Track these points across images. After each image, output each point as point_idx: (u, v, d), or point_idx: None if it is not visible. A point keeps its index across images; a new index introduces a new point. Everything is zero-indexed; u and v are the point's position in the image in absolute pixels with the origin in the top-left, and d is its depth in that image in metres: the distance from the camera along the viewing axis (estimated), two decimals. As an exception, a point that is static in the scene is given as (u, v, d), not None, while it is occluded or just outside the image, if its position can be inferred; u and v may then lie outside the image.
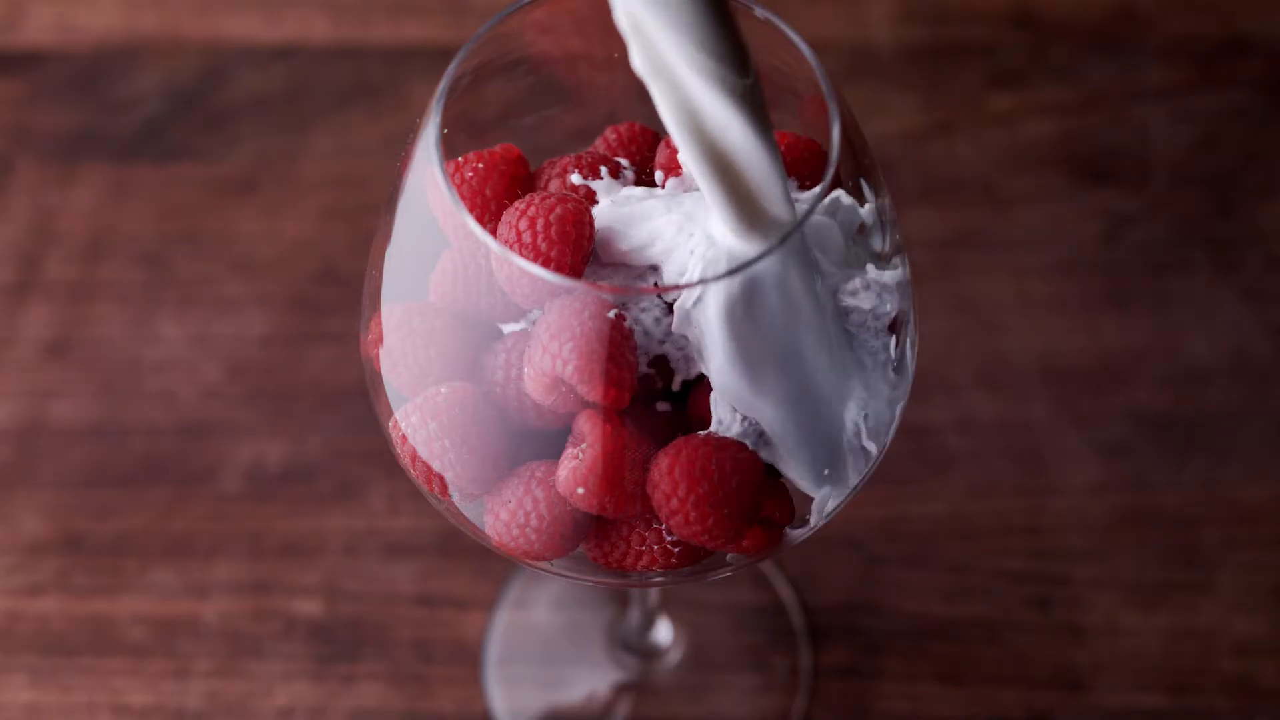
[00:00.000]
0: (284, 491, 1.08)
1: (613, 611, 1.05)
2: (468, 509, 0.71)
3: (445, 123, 0.68)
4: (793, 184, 0.71)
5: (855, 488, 0.72)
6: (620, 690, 1.03)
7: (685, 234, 0.67)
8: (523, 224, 0.66)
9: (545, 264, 0.66)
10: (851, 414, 0.70)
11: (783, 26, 0.69)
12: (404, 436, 0.70)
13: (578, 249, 0.67)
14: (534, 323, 0.67)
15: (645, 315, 0.66)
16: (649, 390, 0.68)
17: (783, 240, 0.65)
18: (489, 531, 0.70)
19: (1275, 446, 1.08)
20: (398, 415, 0.70)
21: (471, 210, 0.71)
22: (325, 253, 1.17)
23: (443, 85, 0.68)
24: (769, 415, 0.68)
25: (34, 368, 1.13)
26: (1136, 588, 1.04)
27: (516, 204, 0.67)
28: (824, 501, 0.71)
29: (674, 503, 0.66)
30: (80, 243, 1.18)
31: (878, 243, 0.72)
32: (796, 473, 0.69)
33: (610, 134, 0.76)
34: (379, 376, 0.72)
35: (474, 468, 0.68)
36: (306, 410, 1.10)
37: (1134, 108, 1.23)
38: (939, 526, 1.06)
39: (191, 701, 1.01)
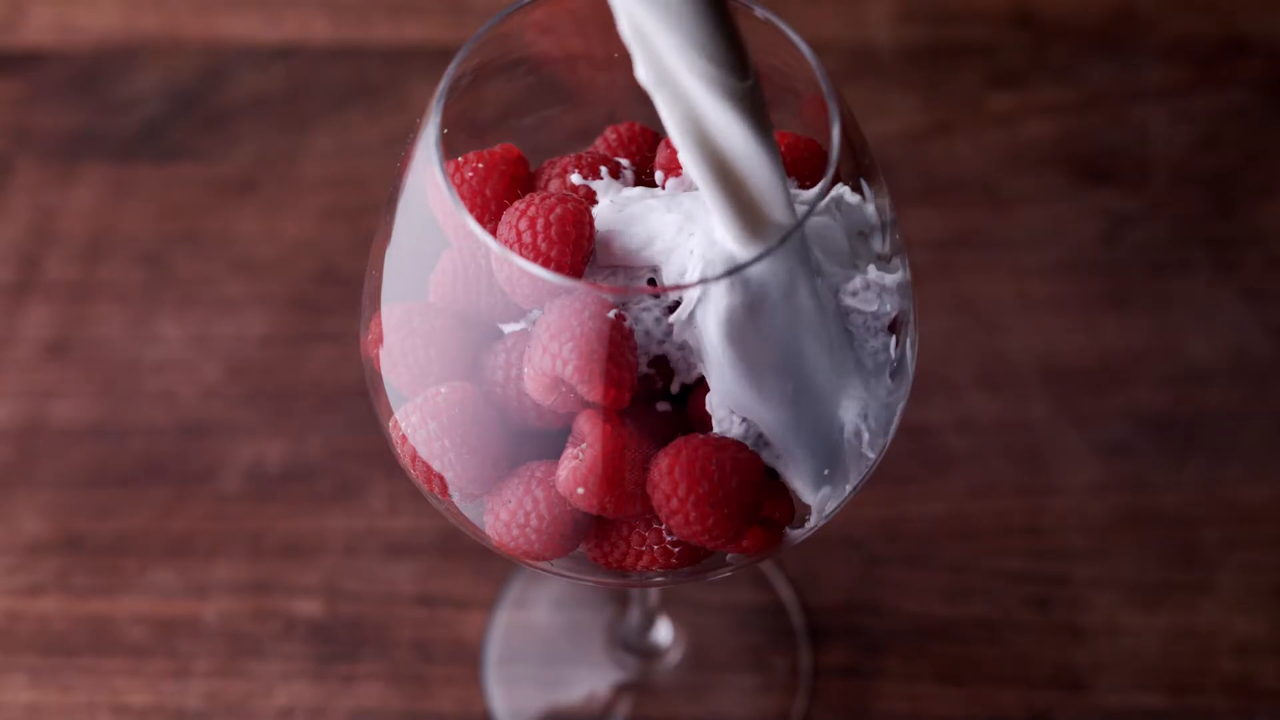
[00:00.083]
0: (284, 491, 1.08)
1: (613, 611, 1.05)
2: (468, 509, 0.71)
3: (445, 123, 0.68)
4: (792, 183, 0.71)
5: (855, 488, 0.72)
6: (620, 690, 1.03)
7: (685, 234, 0.67)
8: (523, 224, 0.66)
9: (545, 264, 0.66)
10: (851, 414, 0.70)
11: (783, 26, 0.69)
12: (404, 436, 0.70)
13: (578, 249, 0.67)
14: (534, 323, 0.67)
15: (645, 315, 0.66)
16: (649, 390, 0.68)
17: (782, 240, 0.65)
18: (489, 531, 0.70)
19: (1275, 446, 1.08)
20: (398, 415, 0.70)
21: (471, 210, 0.71)
22: (325, 253, 1.17)
23: (443, 85, 0.68)
24: (769, 417, 0.68)
25: (34, 368, 1.13)
26: (1136, 588, 1.04)
27: (516, 204, 0.67)
28: (824, 501, 0.71)
29: (674, 503, 0.66)
30: (80, 243, 1.18)
31: (878, 243, 0.72)
32: (796, 473, 0.69)
33: (610, 134, 0.76)
34: (379, 376, 0.72)
35: (474, 468, 0.68)
36: (306, 410, 1.10)
37: (1134, 108, 1.23)
38: (939, 526, 1.06)
39: (191, 701, 1.01)
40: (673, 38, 0.61)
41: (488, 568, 1.05)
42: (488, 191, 0.71)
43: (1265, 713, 1.00)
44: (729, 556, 0.72)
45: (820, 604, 1.04)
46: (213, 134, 1.23)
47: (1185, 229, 1.17)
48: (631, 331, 0.66)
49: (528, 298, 0.67)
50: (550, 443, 0.68)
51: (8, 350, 1.13)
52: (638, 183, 0.74)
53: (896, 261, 0.72)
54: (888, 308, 0.70)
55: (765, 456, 0.69)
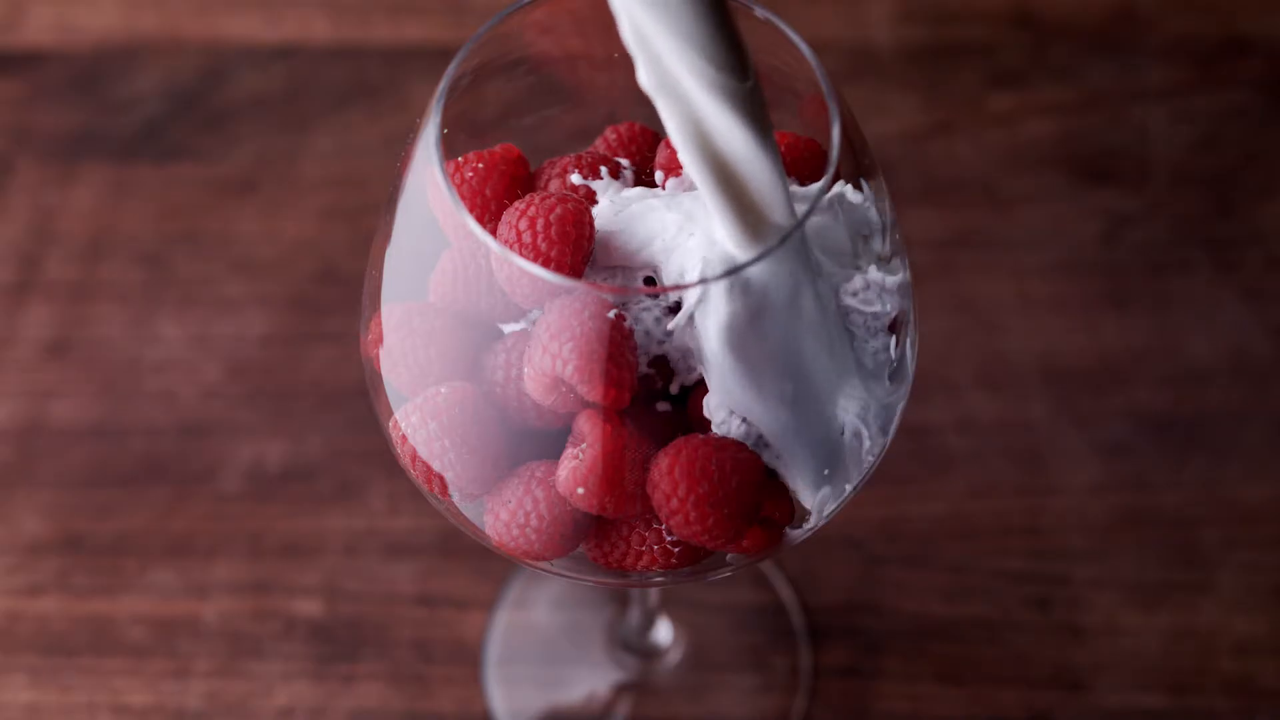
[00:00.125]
0: (284, 491, 1.08)
1: (613, 611, 1.05)
2: (468, 509, 0.71)
3: (445, 123, 0.68)
4: (792, 182, 0.71)
5: (855, 488, 0.72)
6: (620, 690, 1.03)
7: (685, 234, 0.67)
8: (523, 224, 0.66)
9: (545, 264, 0.66)
10: (851, 414, 0.70)
11: (783, 26, 0.69)
12: (404, 436, 0.70)
13: (578, 249, 0.67)
14: (534, 323, 0.67)
15: (645, 315, 0.66)
16: (649, 390, 0.68)
17: (782, 240, 0.65)
18: (489, 531, 0.70)
19: (1275, 446, 1.08)
20: (398, 415, 0.70)
21: (471, 210, 0.71)
22: (325, 253, 1.17)
23: (443, 85, 0.68)
24: (769, 417, 0.68)
25: (34, 368, 1.13)
26: (1136, 588, 1.04)
27: (516, 204, 0.67)
28: (824, 501, 0.71)
29: (674, 503, 0.66)
30: (80, 243, 1.18)
31: (878, 243, 0.72)
32: (796, 473, 0.69)
33: (610, 134, 0.76)
34: (379, 376, 0.72)
35: (474, 468, 0.68)
36: (306, 410, 1.10)
37: (1134, 108, 1.23)
38: (939, 526, 1.06)
39: (191, 701, 1.01)
40: (674, 40, 0.61)
41: (488, 568, 1.05)
42: (488, 191, 0.71)
43: (1265, 713, 1.00)
44: (729, 556, 0.72)
45: (820, 604, 1.04)
46: (213, 134, 1.23)
47: (1185, 229, 1.17)
48: (631, 331, 0.66)
49: (528, 298, 0.67)
50: (550, 443, 0.68)
51: (8, 350, 1.13)
52: (638, 183, 0.74)
53: (896, 262, 0.72)
54: (888, 308, 0.70)
55: (765, 456, 0.69)
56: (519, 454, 0.69)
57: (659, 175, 0.73)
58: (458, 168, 0.71)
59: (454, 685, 1.02)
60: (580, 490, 0.66)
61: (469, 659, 1.02)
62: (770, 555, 0.74)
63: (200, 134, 1.23)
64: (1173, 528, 1.06)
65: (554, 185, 0.73)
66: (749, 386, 0.67)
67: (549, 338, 0.65)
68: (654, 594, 0.99)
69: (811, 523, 0.71)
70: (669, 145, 0.73)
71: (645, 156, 0.75)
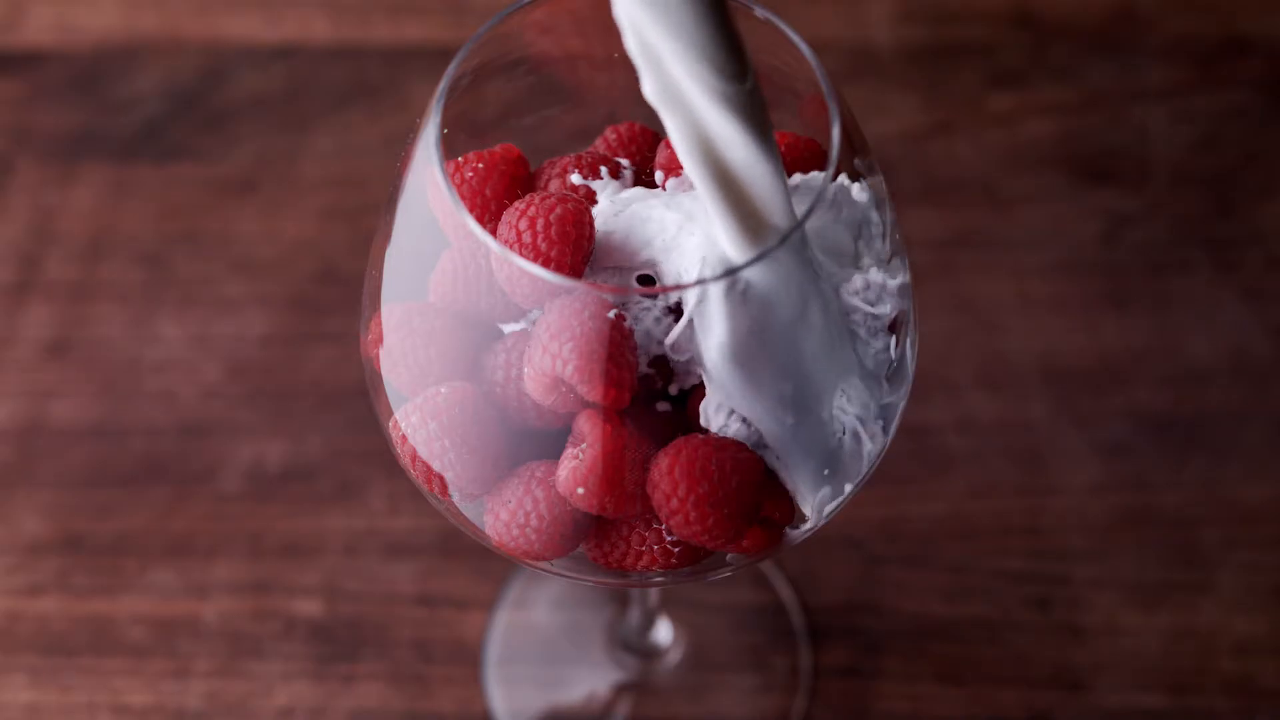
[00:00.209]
0: (284, 491, 1.08)
1: (613, 611, 1.05)
2: (468, 509, 0.71)
3: (445, 123, 0.68)
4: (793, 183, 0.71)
5: (855, 488, 0.72)
6: (620, 690, 1.03)
7: (685, 234, 0.67)
8: (523, 224, 0.66)
9: (545, 264, 0.66)
10: (851, 414, 0.70)
11: (783, 26, 0.69)
12: (404, 436, 0.70)
13: (578, 249, 0.67)
14: (534, 323, 0.67)
15: (645, 315, 0.66)
16: (649, 390, 0.68)
17: (782, 240, 0.65)
18: (489, 531, 0.70)
19: (1275, 446, 1.08)
20: (398, 415, 0.70)
21: (471, 210, 0.71)
22: (325, 253, 1.17)
23: (443, 85, 0.68)
24: (769, 418, 0.67)
25: (34, 368, 1.13)
26: (1136, 588, 1.04)
27: (516, 204, 0.67)
28: (824, 502, 0.71)
29: (674, 503, 0.66)
30: (80, 243, 1.18)
31: (878, 243, 0.72)
32: (796, 473, 0.69)
33: (610, 134, 0.76)
34: (379, 376, 0.72)
35: (474, 468, 0.68)
36: (306, 410, 1.10)
37: (1134, 108, 1.23)
38: (939, 526, 1.06)
39: (191, 701, 1.01)
40: (675, 44, 0.61)
41: (488, 568, 1.05)
42: (488, 191, 0.71)
43: (1265, 713, 1.00)
44: (729, 556, 0.72)
45: (820, 604, 1.04)
46: (213, 134, 1.23)
47: (1185, 229, 1.17)
48: (631, 331, 0.66)
49: (528, 298, 0.67)
50: (550, 443, 0.68)
51: (8, 350, 1.13)
52: (638, 183, 0.74)
53: (897, 262, 0.72)
54: (888, 308, 0.70)
55: (765, 457, 0.69)
56: (519, 454, 0.69)
57: (659, 175, 0.73)
58: (458, 168, 0.71)
59: (454, 685, 1.02)
60: (580, 490, 0.66)
61: (469, 659, 1.02)
62: (770, 555, 0.74)
63: (200, 134, 1.23)
64: (1173, 528, 1.06)
65: (554, 185, 0.73)
66: (749, 387, 0.67)
67: (549, 338, 0.65)
68: (654, 594, 0.99)
69: (811, 523, 0.71)
70: (669, 145, 0.73)
71: (645, 156, 0.75)
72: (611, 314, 0.65)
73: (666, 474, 0.66)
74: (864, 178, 0.72)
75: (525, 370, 0.67)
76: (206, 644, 1.02)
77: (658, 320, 0.66)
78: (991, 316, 1.13)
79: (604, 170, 0.72)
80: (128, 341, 1.13)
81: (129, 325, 1.14)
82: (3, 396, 1.11)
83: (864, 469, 0.72)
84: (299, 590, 1.04)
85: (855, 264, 0.71)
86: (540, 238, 0.66)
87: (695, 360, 0.67)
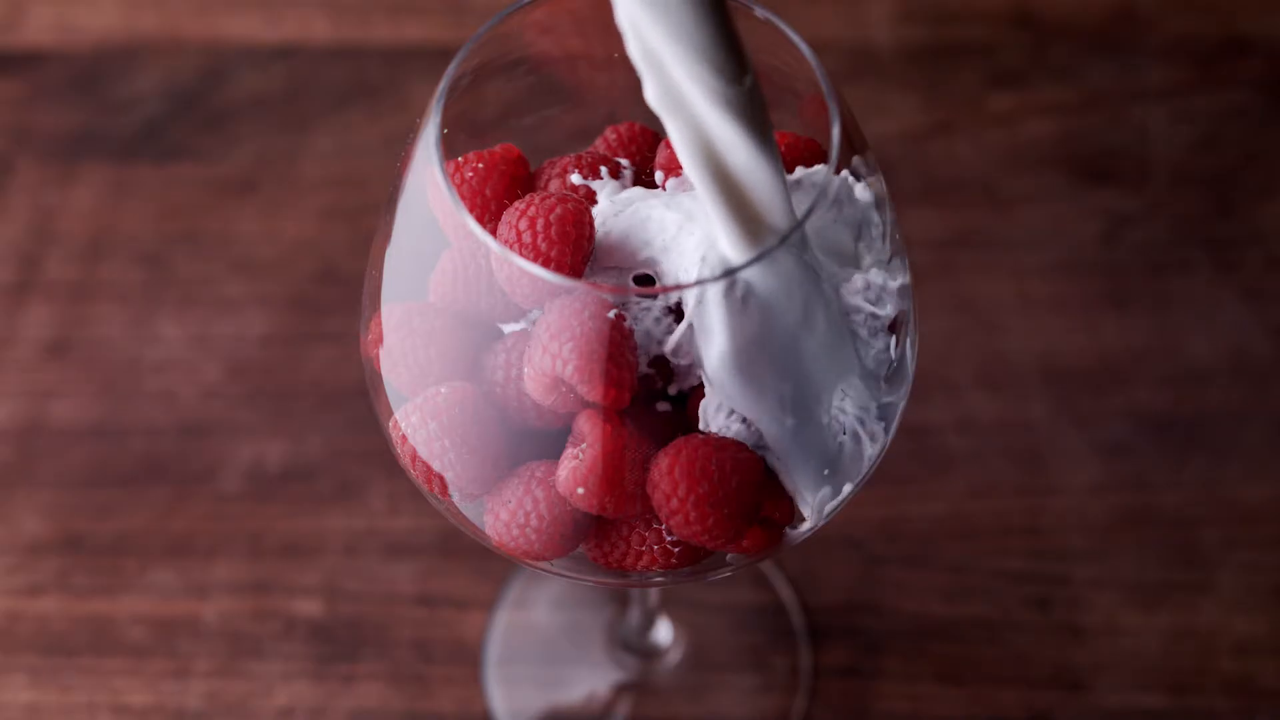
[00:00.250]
0: (284, 491, 1.08)
1: (613, 611, 1.05)
2: (468, 509, 0.71)
3: (445, 123, 0.68)
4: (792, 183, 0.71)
5: (855, 488, 0.72)
6: (620, 690, 1.03)
7: (685, 233, 0.67)
8: (523, 224, 0.66)
9: (545, 264, 0.66)
10: (851, 414, 0.70)
11: (783, 26, 0.69)
12: (404, 436, 0.70)
13: (578, 249, 0.67)
14: (534, 323, 0.67)
15: (645, 315, 0.66)
16: (649, 390, 0.68)
17: (782, 241, 0.65)
18: (489, 531, 0.70)
19: (1275, 446, 1.08)
20: (398, 415, 0.70)
21: (471, 210, 0.71)
22: (325, 253, 1.17)
23: (443, 85, 0.68)
24: (769, 418, 0.67)
25: (34, 368, 1.13)
26: (1136, 588, 1.04)
27: (516, 204, 0.67)
28: (824, 502, 0.71)
29: (674, 503, 0.66)
30: (80, 243, 1.18)
31: (878, 243, 0.72)
32: (796, 473, 0.69)
33: (610, 134, 0.76)
34: (379, 376, 0.72)
35: (474, 468, 0.68)
36: (306, 410, 1.10)
37: (1134, 108, 1.23)
38: (939, 526, 1.06)
39: (191, 701, 1.01)
40: (677, 47, 0.61)
41: (488, 568, 1.05)
42: (488, 191, 0.71)
43: (1265, 713, 1.00)
44: (729, 556, 0.72)
45: (820, 604, 1.04)
46: (213, 134, 1.23)
47: (1185, 229, 1.17)
48: (631, 331, 0.66)
49: (528, 298, 0.67)
50: (550, 443, 0.68)
51: (8, 350, 1.13)
52: (637, 183, 0.74)
53: (897, 262, 0.72)
54: (888, 308, 0.70)
55: (765, 457, 0.69)
56: (519, 454, 0.69)
57: (659, 175, 0.73)
58: (458, 168, 0.71)
59: (454, 685, 1.02)
60: (580, 490, 0.66)
61: (469, 659, 1.02)
62: (770, 555, 0.74)
63: (200, 134, 1.23)
64: (1173, 528, 1.06)
65: (554, 185, 0.73)
66: (749, 389, 0.66)
67: (549, 338, 0.65)
68: (654, 594, 0.99)
69: (811, 523, 0.71)
70: (669, 145, 0.73)
71: (645, 156, 0.75)
72: (611, 314, 0.65)
73: (666, 474, 0.66)
74: (864, 178, 0.72)
75: (525, 370, 0.67)
76: (206, 644, 1.02)
77: (658, 320, 0.66)
78: (991, 316, 1.13)
79: (604, 170, 0.72)
80: (128, 341, 1.13)
81: (129, 325, 1.14)
82: (3, 396, 1.11)
83: (864, 469, 0.72)
84: (299, 590, 1.04)
85: (855, 264, 0.71)
86: (540, 238, 0.66)
87: (696, 364, 0.67)
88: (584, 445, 0.66)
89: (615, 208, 0.70)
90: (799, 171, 0.71)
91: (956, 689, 1.01)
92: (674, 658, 1.04)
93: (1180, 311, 1.14)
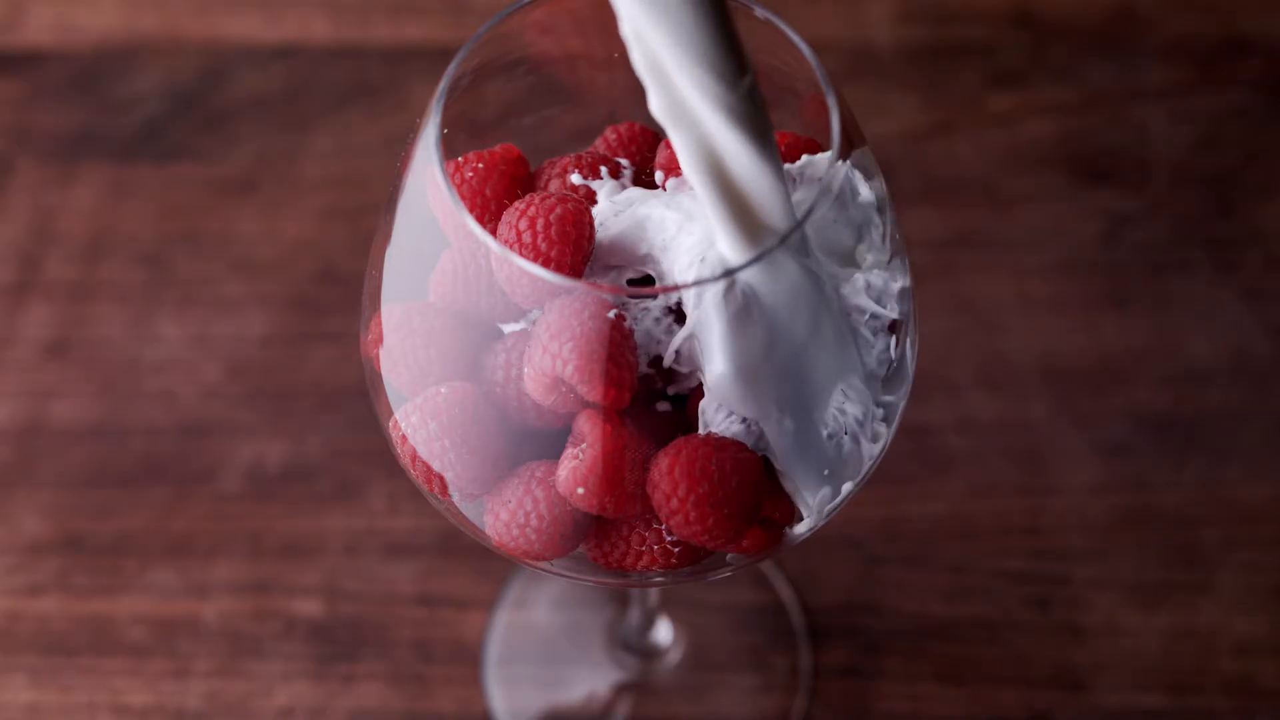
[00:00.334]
0: (284, 491, 1.08)
1: (613, 611, 1.05)
2: (468, 509, 0.71)
3: (445, 123, 0.68)
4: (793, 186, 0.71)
5: (855, 488, 0.72)
6: (620, 690, 1.03)
7: (685, 233, 0.67)
8: (523, 224, 0.66)
9: (545, 264, 0.66)
10: (851, 414, 0.70)
11: (783, 26, 0.69)
12: (404, 436, 0.70)
13: (578, 249, 0.67)
14: (534, 323, 0.67)
15: (645, 315, 0.66)
16: (649, 390, 0.68)
17: (782, 240, 0.65)
18: (489, 531, 0.70)
19: (1275, 446, 1.08)
20: (398, 415, 0.70)
21: (471, 210, 0.71)
22: (325, 253, 1.17)
23: (443, 85, 0.68)
24: (769, 418, 0.67)
25: (34, 368, 1.13)
26: (1136, 588, 1.04)
27: (516, 204, 0.67)
28: (824, 501, 0.71)
29: (674, 503, 0.66)
30: (80, 243, 1.18)
31: (878, 243, 0.72)
32: (796, 473, 0.69)
33: (610, 134, 0.76)
34: (379, 376, 0.72)
35: (474, 468, 0.68)
36: (306, 410, 1.10)
37: (1134, 108, 1.23)
38: (939, 526, 1.06)
39: (191, 701, 1.01)
40: (677, 49, 0.61)
41: (488, 568, 1.05)
42: (488, 191, 0.71)
43: (1265, 713, 1.00)
44: (729, 556, 0.72)
45: (820, 604, 1.04)
46: (213, 134, 1.23)
47: (1185, 229, 1.17)
48: (631, 331, 0.66)
49: (528, 298, 0.67)
50: (550, 443, 0.68)
51: (8, 350, 1.13)
52: (637, 183, 0.74)
53: (897, 262, 0.72)
54: (888, 309, 0.70)
55: (765, 457, 0.69)
56: (519, 454, 0.69)
57: (659, 175, 0.73)
58: (458, 168, 0.71)
59: (454, 685, 1.02)
60: (580, 490, 0.66)
61: (469, 659, 1.02)
62: (770, 555, 0.74)
63: (200, 134, 1.23)
64: (1173, 528, 1.06)
65: (554, 185, 0.73)
66: (750, 391, 0.66)
67: (549, 338, 0.65)
68: (654, 594, 0.99)
69: (811, 523, 0.71)
70: (669, 145, 0.73)
71: (645, 156, 0.75)
72: (611, 314, 0.65)
73: (666, 474, 0.66)
74: (864, 178, 0.72)
75: (525, 370, 0.67)
76: (206, 644, 1.02)
77: (657, 320, 0.66)
78: (991, 316, 1.13)
79: (604, 170, 0.72)
80: (128, 341, 1.13)
81: (129, 325, 1.14)
82: (3, 396, 1.11)
83: (864, 469, 0.72)
84: (299, 590, 1.04)
85: (856, 265, 0.71)
86: (540, 238, 0.66)
87: (698, 370, 0.67)
88: (584, 445, 0.66)
89: (615, 208, 0.70)
90: (804, 159, 0.71)
91: (956, 689, 1.01)
92: (674, 658, 1.04)
93: (1180, 311, 1.14)
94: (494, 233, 0.69)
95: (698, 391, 0.68)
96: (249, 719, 1.00)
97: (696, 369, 0.67)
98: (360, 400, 1.09)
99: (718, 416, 0.67)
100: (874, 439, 0.71)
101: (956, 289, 1.15)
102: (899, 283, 0.71)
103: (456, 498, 0.70)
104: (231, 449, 1.09)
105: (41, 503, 1.07)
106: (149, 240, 1.18)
